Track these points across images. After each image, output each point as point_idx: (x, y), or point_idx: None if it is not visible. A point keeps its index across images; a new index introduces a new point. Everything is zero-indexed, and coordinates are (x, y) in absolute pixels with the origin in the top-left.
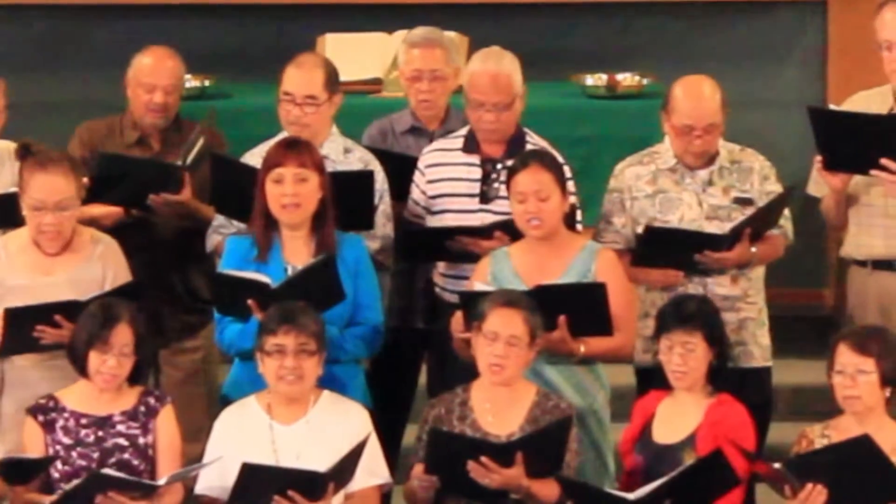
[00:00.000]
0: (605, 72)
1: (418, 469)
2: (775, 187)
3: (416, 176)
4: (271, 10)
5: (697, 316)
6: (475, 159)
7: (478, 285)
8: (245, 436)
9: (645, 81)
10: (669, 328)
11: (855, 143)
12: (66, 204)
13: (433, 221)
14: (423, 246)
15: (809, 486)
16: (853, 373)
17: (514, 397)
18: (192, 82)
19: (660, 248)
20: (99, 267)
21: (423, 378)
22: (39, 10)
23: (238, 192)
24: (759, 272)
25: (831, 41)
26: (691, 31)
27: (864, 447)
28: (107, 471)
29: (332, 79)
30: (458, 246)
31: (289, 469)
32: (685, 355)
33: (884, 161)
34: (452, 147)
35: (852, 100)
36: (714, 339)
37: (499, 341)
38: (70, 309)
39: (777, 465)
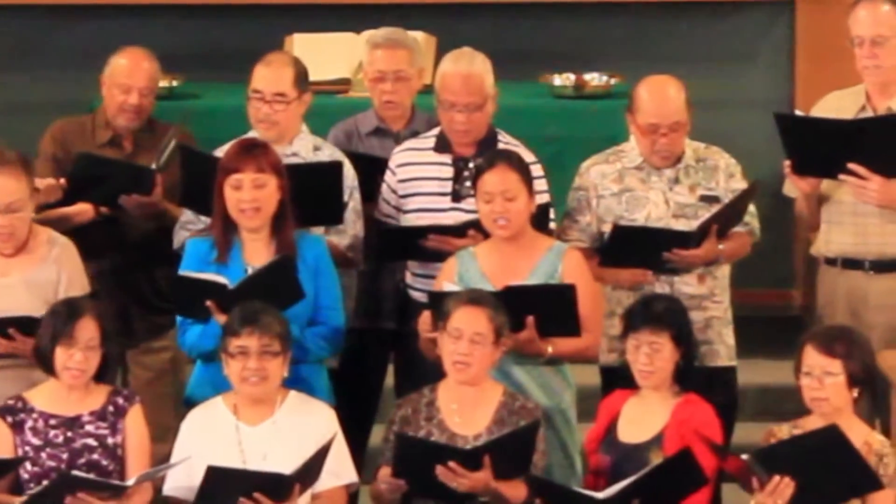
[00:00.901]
0: (572, 72)
1: (385, 472)
2: (741, 185)
3: (387, 175)
4: (239, 10)
5: (665, 316)
6: (447, 158)
7: (446, 286)
8: (212, 437)
9: (613, 82)
10: (637, 327)
11: (822, 148)
12: (18, 206)
13: (405, 220)
14: (396, 245)
15: (776, 478)
16: (820, 375)
17: (480, 397)
18: (160, 82)
19: (628, 246)
20: (54, 269)
21: (389, 379)
22: (7, 10)
23: (207, 186)
24: (725, 271)
25: (799, 41)
26: (659, 32)
27: (832, 437)
28: (76, 472)
29: (301, 77)
30: (432, 245)
31: (254, 472)
32: (651, 355)
33: (850, 165)
34: (424, 146)
35: (825, 100)
36: (681, 339)
37: (463, 339)
38: (26, 323)
39: (744, 457)
